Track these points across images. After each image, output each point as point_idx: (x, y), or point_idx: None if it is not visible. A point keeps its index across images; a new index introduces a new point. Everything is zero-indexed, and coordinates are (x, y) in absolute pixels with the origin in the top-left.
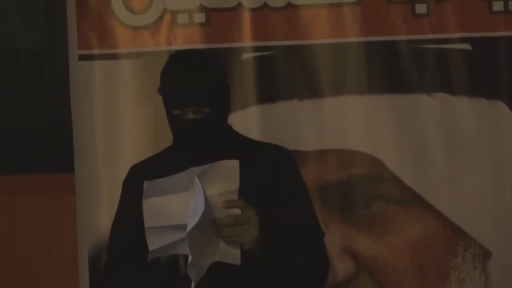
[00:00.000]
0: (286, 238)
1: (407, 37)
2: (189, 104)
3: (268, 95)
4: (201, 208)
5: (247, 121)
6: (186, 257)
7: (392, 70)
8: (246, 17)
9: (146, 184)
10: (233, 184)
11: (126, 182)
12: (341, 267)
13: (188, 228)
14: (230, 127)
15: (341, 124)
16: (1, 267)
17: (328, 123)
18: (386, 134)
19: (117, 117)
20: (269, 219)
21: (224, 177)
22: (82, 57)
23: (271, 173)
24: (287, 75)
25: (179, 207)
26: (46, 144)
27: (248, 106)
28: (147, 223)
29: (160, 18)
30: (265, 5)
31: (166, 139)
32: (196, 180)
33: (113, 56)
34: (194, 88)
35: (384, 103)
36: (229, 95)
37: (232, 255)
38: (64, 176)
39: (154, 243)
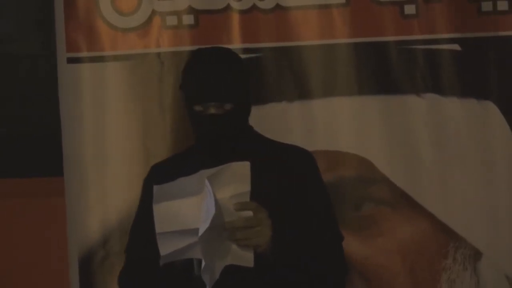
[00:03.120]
0: (301, 241)
1: (396, 38)
2: (210, 99)
3: (258, 97)
4: (212, 211)
5: None
6: (200, 260)
7: (381, 71)
8: (235, 19)
9: (155, 188)
10: (245, 186)
11: (147, 182)
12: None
13: (200, 232)
14: (251, 127)
15: (331, 125)
16: None
17: (317, 125)
18: (376, 135)
19: (106, 119)
20: (284, 222)
21: (236, 179)
22: (71, 60)
23: (291, 175)
24: (277, 77)
25: (191, 211)
26: (35, 147)
27: None
28: (158, 228)
29: (149, 20)
30: (254, 7)
31: (155, 142)
32: (207, 183)
33: (102, 59)
34: (216, 83)
35: (374, 104)
36: (251, 94)
37: (245, 258)
38: (53, 180)
39: (166, 248)
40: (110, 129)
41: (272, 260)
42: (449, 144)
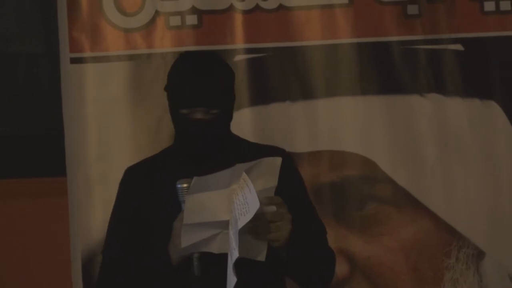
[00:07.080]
0: (304, 236)
1: (399, 38)
2: (198, 104)
3: (261, 97)
4: (255, 205)
5: (240, 123)
6: (200, 259)
7: (384, 71)
8: (238, 19)
9: (194, 180)
10: (273, 181)
11: (122, 185)
12: (336, 269)
13: (240, 225)
14: (230, 130)
15: (334, 125)
16: None
17: (321, 125)
18: (379, 135)
19: (109, 120)
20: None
21: (266, 174)
22: (74, 60)
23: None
24: (280, 76)
25: (218, 204)
26: (38, 147)
27: (240, 108)
28: (186, 220)
29: (152, 20)
30: (257, 7)
31: (159, 142)
32: (246, 177)
33: (105, 59)
34: (205, 88)
35: (377, 104)
36: (234, 99)
37: (258, 251)
38: (56, 180)
39: (188, 240)
40: (114, 129)
41: (284, 255)
42: (452, 144)
